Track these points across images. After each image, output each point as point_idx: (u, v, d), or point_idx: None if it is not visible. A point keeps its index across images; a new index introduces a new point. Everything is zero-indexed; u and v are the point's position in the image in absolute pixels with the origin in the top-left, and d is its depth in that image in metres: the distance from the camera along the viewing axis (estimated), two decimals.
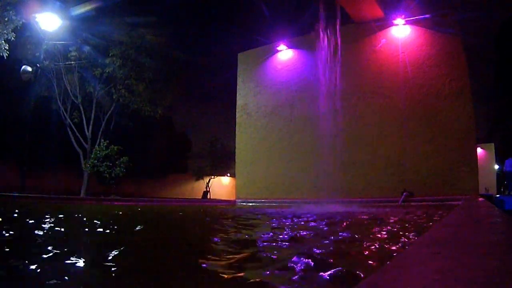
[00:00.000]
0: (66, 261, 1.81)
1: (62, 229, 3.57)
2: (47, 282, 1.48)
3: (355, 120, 10.82)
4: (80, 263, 1.82)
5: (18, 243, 2.62)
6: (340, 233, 3.05)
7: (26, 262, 1.77)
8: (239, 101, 13.57)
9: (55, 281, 1.49)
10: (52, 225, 3.84)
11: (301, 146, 11.81)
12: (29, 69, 13.25)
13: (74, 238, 3.13)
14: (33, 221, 4.25)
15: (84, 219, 5.07)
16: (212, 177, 28.08)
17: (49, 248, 2.17)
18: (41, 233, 3.13)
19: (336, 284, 1.41)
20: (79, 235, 3.25)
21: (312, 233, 3.19)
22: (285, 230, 3.42)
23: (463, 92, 9.52)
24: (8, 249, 2.23)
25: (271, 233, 3.18)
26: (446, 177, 9.41)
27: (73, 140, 17.42)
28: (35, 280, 1.53)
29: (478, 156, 10.13)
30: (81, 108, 17.38)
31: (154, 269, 1.85)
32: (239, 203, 11.98)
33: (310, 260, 1.67)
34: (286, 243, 2.53)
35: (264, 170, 12.44)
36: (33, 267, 1.69)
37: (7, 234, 2.93)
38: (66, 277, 1.57)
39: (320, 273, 1.49)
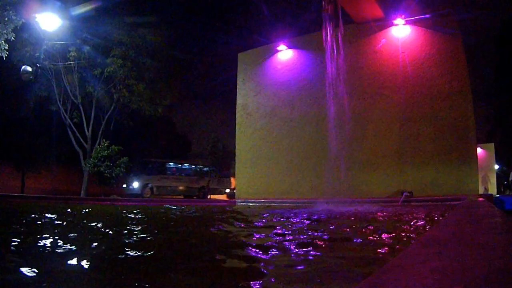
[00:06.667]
0: None
1: None
2: None
3: (355, 120, 10.80)
4: None
5: None
6: None
7: None
8: (239, 101, 13.55)
9: None
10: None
11: (301, 146, 11.80)
12: (29, 69, 13.24)
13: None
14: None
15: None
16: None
17: None
18: None
19: None
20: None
21: None
22: None
23: (463, 92, 9.51)
24: None
25: None
26: (446, 177, 9.39)
27: (73, 140, 17.40)
28: None
29: (478, 156, 10.11)
30: (81, 108, 17.36)
31: None
32: (239, 203, 11.97)
33: None
34: None
35: (264, 170, 12.43)
36: None
37: None
38: None
39: None
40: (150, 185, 19.17)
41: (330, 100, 10.11)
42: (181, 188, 21.63)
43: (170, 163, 22.28)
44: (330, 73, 10.03)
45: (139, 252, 2.41)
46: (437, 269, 0.87)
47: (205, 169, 24.65)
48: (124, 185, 18.96)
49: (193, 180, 22.57)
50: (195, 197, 21.44)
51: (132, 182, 18.84)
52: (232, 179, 25.67)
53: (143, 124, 22.52)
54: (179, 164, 23.26)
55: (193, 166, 24.02)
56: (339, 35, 9.80)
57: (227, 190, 24.93)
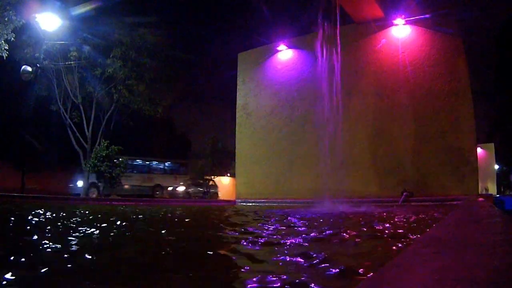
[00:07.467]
0: None
1: None
2: None
3: (355, 120, 10.81)
4: None
5: None
6: None
7: None
8: (239, 101, 13.55)
9: None
10: None
11: (301, 146, 11.80)
12: (29, 69, 13.24)
13: None
14: None
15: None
16: (213, 177, 28.06)
17: None
18: None
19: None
20: None
21: None
22: None
23: (463, 92, 9.51)
24: None
25: None
26: (446, 177, 9.40)
27: (73, 140, 17.40)
28: None
29: (478, 156, 10.11)
30: (81, 108, 17.37)
31: None
32: (239, 203, 11.97)
33: None
34: None
35: (264, 170, 12.43)
36: None
37: None
38: None
39: None
40: (96, 183, 17.10)
41: (330, 100, 10.11)
42: (132, 186, 20.06)
43: (119, 159, 20.89)
44: (329, 73, 10.03)
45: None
46: (437, 269, 0.87)
47: (161, 165, 23.06)
48: (70, 185, 17.75)
49: (146, 178, 21.16)
50: (152, 197, 19.95)
51: (76, 181, 17.26)
52: (189, 176, 24.20)
53: (143, 124, 22.49)
54: (130, 160, 21.16)
55: (147, 162, 22.52)
56: (338, 35, 9.80)
57: (170, 188, 22.33)
